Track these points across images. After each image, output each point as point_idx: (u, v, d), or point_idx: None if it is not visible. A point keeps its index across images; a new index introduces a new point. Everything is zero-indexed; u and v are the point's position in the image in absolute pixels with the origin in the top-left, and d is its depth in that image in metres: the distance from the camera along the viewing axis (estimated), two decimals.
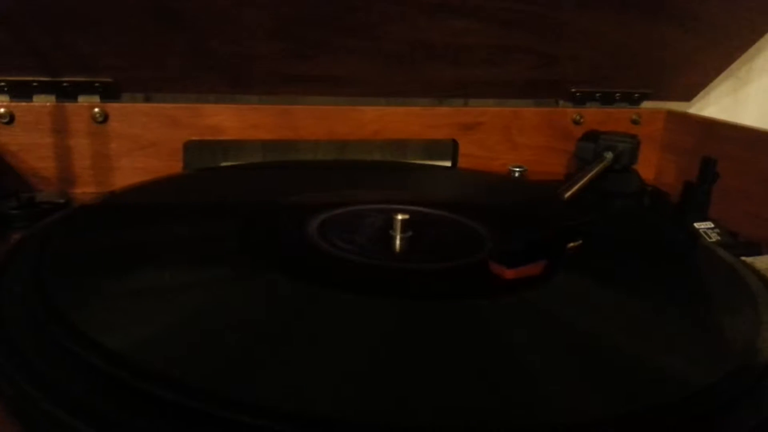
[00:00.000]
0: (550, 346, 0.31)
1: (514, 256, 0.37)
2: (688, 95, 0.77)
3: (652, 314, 0.36)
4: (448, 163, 0.70)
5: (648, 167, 0.74)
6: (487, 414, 0.25)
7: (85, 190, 0.57)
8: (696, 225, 0.53)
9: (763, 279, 0.41)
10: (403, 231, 0.42)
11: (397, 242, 0.42)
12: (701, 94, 0.81)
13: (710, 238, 0.52)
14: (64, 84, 0.56)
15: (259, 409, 0.24)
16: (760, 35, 0.71)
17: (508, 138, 0.70)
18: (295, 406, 0.24)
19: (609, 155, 0.61)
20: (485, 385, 0.27)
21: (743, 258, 0.48)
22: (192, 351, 0.28)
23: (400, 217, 0.42)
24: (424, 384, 0.27)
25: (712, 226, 0.53)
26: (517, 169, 0.66)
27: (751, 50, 0.83)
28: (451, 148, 0.69)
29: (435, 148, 0.74)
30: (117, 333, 0.28)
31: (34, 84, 0.55)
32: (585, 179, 0.58)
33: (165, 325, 0.30)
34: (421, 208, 0.48)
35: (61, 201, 0.51)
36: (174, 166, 0.60)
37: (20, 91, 0.55)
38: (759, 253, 0.52)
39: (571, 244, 0.41)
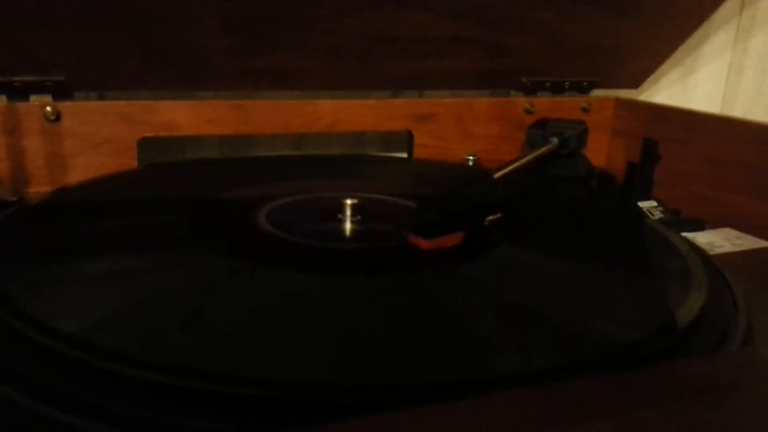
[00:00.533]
0: (484, 310, 0.32)
1: (431, 228, 0.39)
2: (636, 82, 0.79)
3: (595, 282, 0.37)
4: (405, 155, 0.71)
5: (599, 153, 0.76)
6: (429, 369, 0.26)
7: (39, 190, 0.57)
8: (640, 204, 0.54)
9: (696, 249, 0.43)
10: (352, 215, 0.44)
11: (347, 226, 0.43)
12: (650, 81, 0.83)
13: (653, 215, 0.53)
14: (15, 84, 0.56)
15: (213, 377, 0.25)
16: (701, 21, 0.73)
17: (462, 128, 0.71)
18: (255, 374, 0.25)
19: (554, 141, 0.62)
20: (424, 345, 0.28)
21: (684, 233, 0.49)
22: (142, 330, 0.29)
23: (348, 201, 0.44)
24: (369, 347, 0.28)
25: (656, 204, 0.55)
26: (471, 158, 0.67)
27: (698, 38, 0.85)
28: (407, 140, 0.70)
29: (393, 140, 0.75)
30: (69, 317, 0.29)
31: None
32: (520, 162, 0.60)
33: (116, 308, 0.31)
34: (368, 195, 0.49)
35: (13, 199, 0.51)
36: (129, 163, 0.60)
37: None
38: (701, 230, 0.54)
39: (490, 218, 0.43)
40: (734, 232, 0.53)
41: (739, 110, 0.93)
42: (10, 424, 0.24)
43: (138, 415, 0.23)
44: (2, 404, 0.25)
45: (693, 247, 0.43)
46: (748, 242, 0.51)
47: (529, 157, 0.59)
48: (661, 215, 0.54)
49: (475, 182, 0.51)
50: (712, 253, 0.47)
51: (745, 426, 0.15)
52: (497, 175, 0.53)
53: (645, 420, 0.14)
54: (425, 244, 0.38)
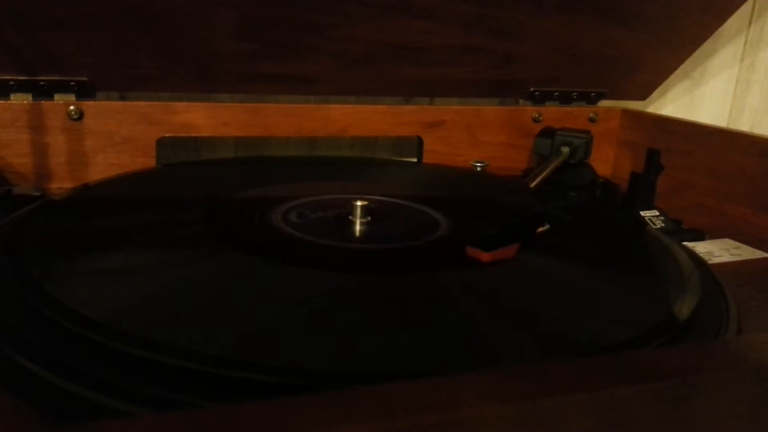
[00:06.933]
0: (487, 308, 0.34)
1: (490, 240, 0.40)
2: (643, 94, 0.81)
3: (595, 285, 0.39)
4: (414, 160, 0.73)
5: (605, 162, 0.78)
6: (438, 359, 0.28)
7: (61, 186, 0.59)
8: (642, 213, 0.56)
9: (695, 257, 0.44)
10: (362, 216, 0.45)
11: (357, 227, 0.45)
12: (658, 93, 0.85)
13: (655, 225, 0.55)
14: (41, 83, 0.58)
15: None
16: (708, 35, 0.74)
17: (470, 135, 0.73)
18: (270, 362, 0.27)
19: (566, 150, 0.64)
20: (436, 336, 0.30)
21: (685, 243, 0.51)
22: (155, 318, 0.30)
23: (359, 203, 0.45)
24: (372, 337, 0.29)
25: (657, 213, 0.56)
26: (479, 164, 0.69)
27: (706, 52, 0.87)
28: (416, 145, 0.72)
29: (403, 146, 0.77)
30: (93, 305, 0.31)
31: (12, 83, 0.57)
32: (547, 171, 0.62)
33: (132, 298, 0.32)
34: (379, 197, 0.51)
35: (37, 194, 0.53)
36: (148, 162, 0.62)
37: None
38: (702, 240, 0.55)
39: (540, 229, 0.44)
40: (733, 243, 0.54)
41: (745, 124, 0.95)
42: (36, 399, 0.26)
43: (156, 393, 0.25)
44: (27, 380, 0.26)
45: (690, 254, 0.45)
46: (746, 253, 0.52)
47: (552, 166, 0.62)
48: (663, 224, 0.55)
49: (518, 193, 0.52)
50: (710, 262, 0.48)
51: (710, 408, 0.16)
52: (532, 184, 0.55)
53: (618, 396, 0.15)
54: (485, 256, 0.39)
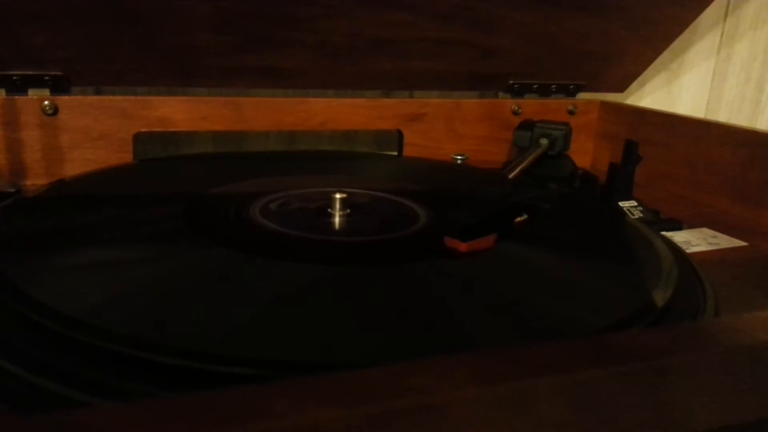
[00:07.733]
0: (475, 298, 0.34)
1: (467, 231, 0.40)
2: (621, 86, 0.81)
3: (572, 273, 0.39)
4: (395, 153, 0.73)
5: (585, 154, 0.78)
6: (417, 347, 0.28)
7: (36, 182, 0.58)
8: (621, 203, 0.56)
9: (672, 247, 0.45)
10: (341, 209, 0.45)
11: (336, 219, 0.45)
12: (636, 86, 0.85)
13: (633, 215, 0.55)
14: (14, 77, 0.57)
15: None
16: (684, 27, 0.75)
17: (450, 128, 0.73)
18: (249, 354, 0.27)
19: (544, 141, 0.64)
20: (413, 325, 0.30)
21: (663, 232, 0.51)
22: (134, 314, 0.30)
23: (338, 195, 0.45)
24: (356, 331, 0.29)
25: (635, 204, 0.56)
26: (459, 157, 0.69)
27: (683, 44, 0.87)
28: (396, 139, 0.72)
29: (383, 139, 0.77)
30: (69, 300, 0.30)
31: None
32: (525, 162, 0.63)
33: (108, 294, 0.32)
34: (359, 190, 0.51)
35: (11, 191, 0.53)
36: (124, 157, 0.61)
37: None
38: (679, 229, 0.55)
39: (518, 219, 0.44)
40: (710, 232, 0.55)
41: (722, 116, 0.96)
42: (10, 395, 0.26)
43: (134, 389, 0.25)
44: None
45: (668, 244, 0.45)
46: (724, 242, 0.53)
47: (531, 158, 0.62)
48: (641, 214, 0.56)
49: (497, 184, 0.52)
50: (688, 251, 0.49)
51: (683, 389, 0.16)
52: (511, 175, 0.55)
53: (591, 378, 0.15)
54: (463, 246, 0.39)
